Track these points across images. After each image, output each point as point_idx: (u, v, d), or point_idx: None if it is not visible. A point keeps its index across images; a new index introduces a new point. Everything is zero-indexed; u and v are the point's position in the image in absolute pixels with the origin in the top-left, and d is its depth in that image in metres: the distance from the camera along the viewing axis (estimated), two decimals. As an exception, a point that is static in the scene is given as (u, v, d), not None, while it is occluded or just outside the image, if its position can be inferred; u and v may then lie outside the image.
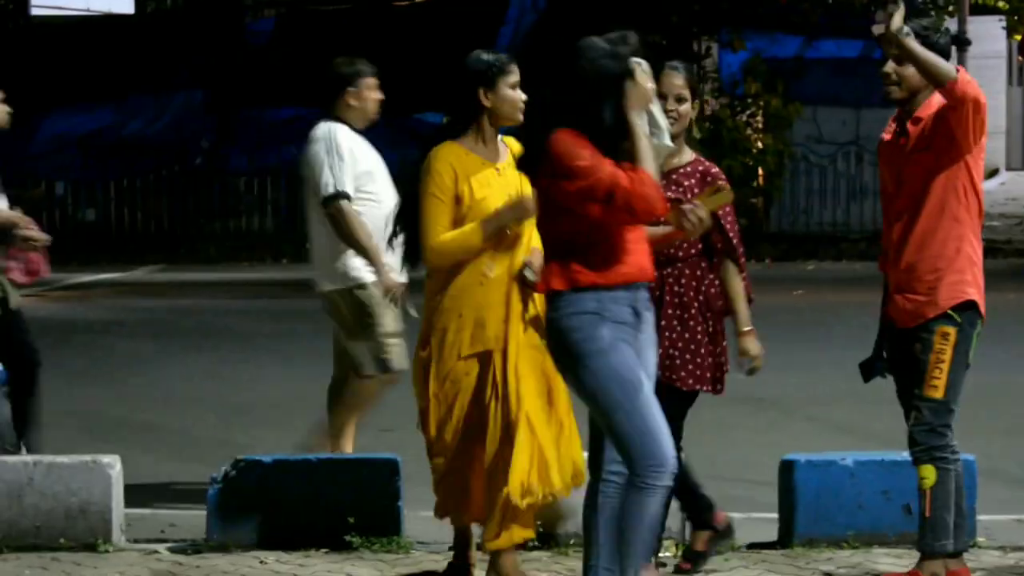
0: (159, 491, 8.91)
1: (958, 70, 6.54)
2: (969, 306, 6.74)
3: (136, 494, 8.46)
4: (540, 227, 6.35)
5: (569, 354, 6.08)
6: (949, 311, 6.68)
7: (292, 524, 8.00)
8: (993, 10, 31.15)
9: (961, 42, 27.65)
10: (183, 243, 25.88)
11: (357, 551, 7.89)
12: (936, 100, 6.74)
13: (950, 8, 27.12)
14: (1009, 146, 31.68)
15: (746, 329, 7.17)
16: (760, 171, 27.43)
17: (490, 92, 6.91)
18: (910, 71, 6.70)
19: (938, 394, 6.60)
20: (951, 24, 27.32)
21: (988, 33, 30.13)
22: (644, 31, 23.43)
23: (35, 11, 34.12)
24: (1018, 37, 34.05)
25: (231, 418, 12.12)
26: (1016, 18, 30.43)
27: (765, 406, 11.80)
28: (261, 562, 7.77)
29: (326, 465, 8.12)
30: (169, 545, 8.13)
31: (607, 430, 6.07)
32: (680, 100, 7.28)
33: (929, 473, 6.60)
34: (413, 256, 7.21)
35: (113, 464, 8.11)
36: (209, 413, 12.45)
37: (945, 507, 6.67)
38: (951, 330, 6.65)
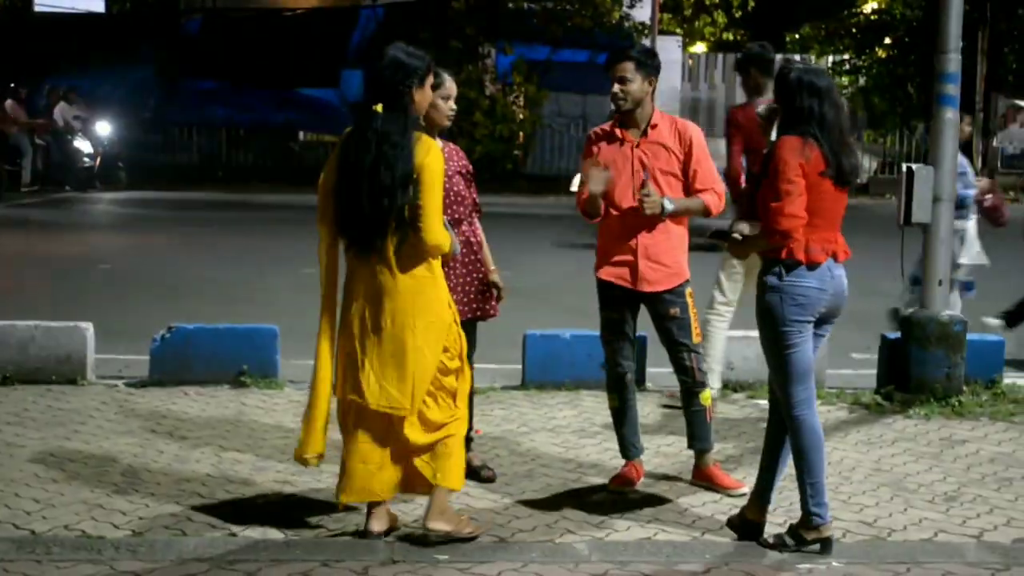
0: (120, 344, 8.84)
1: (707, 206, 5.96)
2: None
3: (104, 344, 8.42)
4: None
5: None
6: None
7: (207, 368, 8.02)
8: (673, 33, 31.62)
9: (651, 54, 28.08)
10: (138, 171, 25.34)
11: (249, 387, 7.93)
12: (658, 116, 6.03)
13: (645, 32, 27.42)
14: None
15: (492, 268, 6.21)
16: (520, 134, 27.69)
17: (419, 89, 5.19)
18: (633, 87, 5.88)
19: (699, 338, 6.10)
20: (646, 42, 27.68)
21: (669, 47, 30.50)
22: (448, 39, 23.28)
23: (38, 8, 33.98)
24: (689, 49, 34.66)
25: (172, 294, 12.05)
26: (687, 38, 30.85)
27: (520, 295, 12.02)
28: (184, 393, 7.80)
29: (228, 332, 8.12)
30: (124, 380, 8.09)
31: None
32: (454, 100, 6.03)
33: (708, 395, 6.11)
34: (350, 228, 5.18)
35: (88, 327, 8.09)
36: (159, 289, 12.38)
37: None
38: (690, 290, 6.05)
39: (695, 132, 6.06)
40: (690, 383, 6.09)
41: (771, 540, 5.31)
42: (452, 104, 5.89)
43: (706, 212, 5.98)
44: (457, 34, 26.95)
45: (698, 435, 6.14)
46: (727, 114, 8.01)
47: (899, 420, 7.54)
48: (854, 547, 5.37)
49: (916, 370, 7.91)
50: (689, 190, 6.00)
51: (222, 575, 4.89)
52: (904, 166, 7.97)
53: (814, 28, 29.59)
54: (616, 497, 5.96)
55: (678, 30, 31.57)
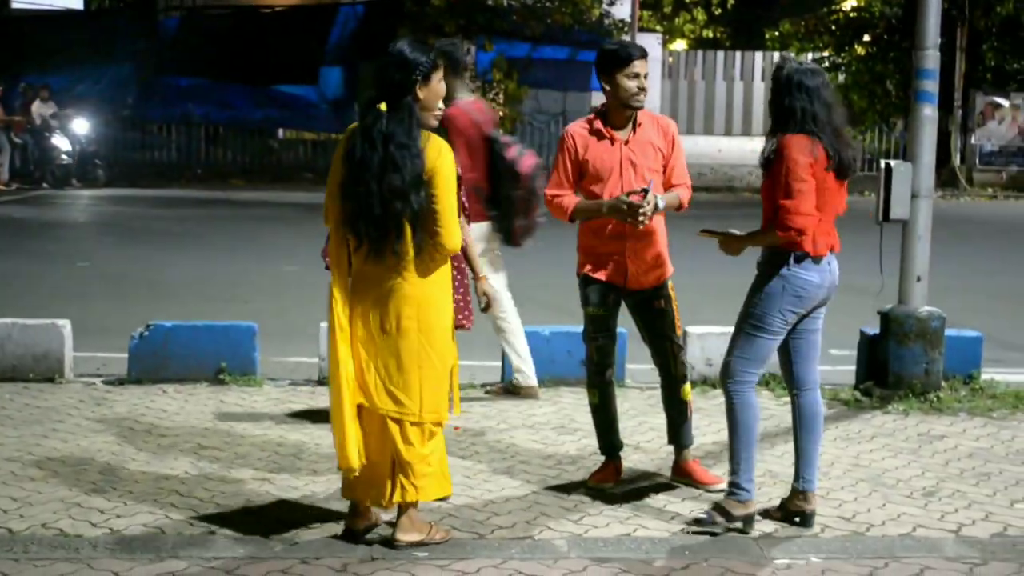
0: (98, 342, 8.82)
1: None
2: None
3: (82, 342, 8.39)
4: None
5: None
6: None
7: (185, 366, 8.03)
8: (653, 30, 31.63)
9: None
10: (116, 168, 25.22)
11: (227, 384, 7.92)
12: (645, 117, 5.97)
13: (625, 29, 27.43)
14: (661, 118, 32.27)
15: (482, 275, 6.28)
16: (500, 131, 27.63)
17: (424, 86, 5.02)
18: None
19: (680, 331, 6.12)
20: (625, 39, 27.69)
21: (649, 44, 30.55)
22: (427, 36, 23.30)
23: (15, 5, 33.85)
24: (669, 47, 34.68)
25: (152, 291, 12.00)
26: (667, 36, 30.84)
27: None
28: (163, 391, 7.77)
29: (207, 329, 8.10)
30: (102, 378, 8.07)
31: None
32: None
33: (689, 390, 6.19)
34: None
35: (65, 325, 8.06)
36: (137, 286, 12.33)
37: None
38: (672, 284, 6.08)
39: (675, 128, 6.07)
40: (672, 377, 6.10)
41: (699, 515, 5.50)
42: (442, 104, 5.48)
43: (681, 206, 5.98)
44: (436, 31, 26.89)
45: (678, 430, 6.16)
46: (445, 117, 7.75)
47: (878, 416, 7.57)
48: (832, 542, 5.39)
49: (895, 366, 7.94)
50: (665, 184, 5.96)
51: (201, 573, 4.88)
52: (883, 162, 7.99)
53: (793, 25, 29.61)
54: (595, 493, 5.96)
55: (658, 27, 31.58)
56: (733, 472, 5.46)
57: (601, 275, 5.97)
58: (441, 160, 4.98)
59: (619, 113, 5.91)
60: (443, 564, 4.99)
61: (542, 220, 7.47)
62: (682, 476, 6.15)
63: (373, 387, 5.05)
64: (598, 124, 5.93)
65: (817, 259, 5.40)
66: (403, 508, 5.14)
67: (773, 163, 5.32)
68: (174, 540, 5.22)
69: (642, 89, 5.83)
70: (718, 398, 7.82)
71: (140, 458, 6.38)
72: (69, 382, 7.94)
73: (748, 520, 5.42)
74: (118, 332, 8.62)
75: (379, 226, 4.94)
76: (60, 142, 23.71)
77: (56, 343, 7.98)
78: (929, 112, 7.98)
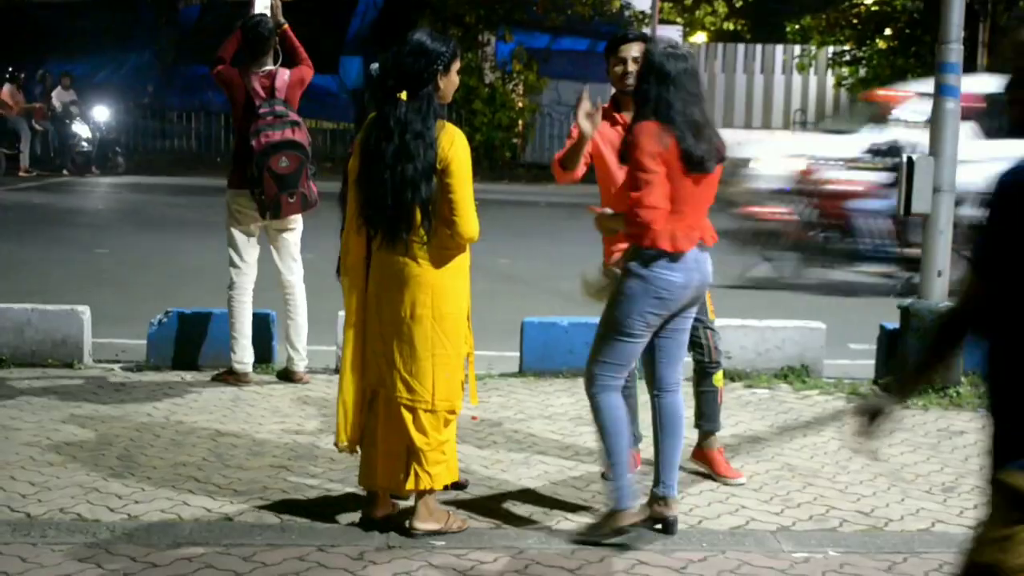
0: (116, 329, 8.84)
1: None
2: None
3: (101, 328, 8.41)
4: None
5: None
6: None
7: (203, 353, 8.03)
8: (673, 22, 31.55)
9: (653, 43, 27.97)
10: (136, 156, 25.28)
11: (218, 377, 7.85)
12: None
13: (645, 20, 27.37)
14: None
15: None
16: (520, 122, 27.63)
17: (444, 76, 5.01)
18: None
19: (713, 316, 5.91)
20: (646, 31, 27.60)
21: (670, 37, 30.46)
22: (447, 27, 23.29)
23: None
24: (690, 39, 34.61)
25: (171, 278, 12.02)
26: (688, 28, 30.74)
27: (517, 282, 12.03)
28: (182, 378, 7.78)
29: (225, 316, 8.07)
30: (121, 364, 8.09)
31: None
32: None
33: (720, 376, 6.00)
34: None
35: (85, 311, 8.08)
36: (156, 274, 12.35)
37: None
38: None
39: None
40: (705, 362, 5.99)
41: (582, 530, 5.25)
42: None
43: None
44: (456, 21, 26.90)
45: (707, 414, 6.07)
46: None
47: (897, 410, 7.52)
48: (851, 536, 5.36)
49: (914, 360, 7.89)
50: None
51: (218, 559, 4.88)
52: (904, 156, 7.94)
53: (815, 18, 29.47)
54: (613, 484, 5.94)
55: (679, 19, 31.49)
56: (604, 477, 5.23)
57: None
58: (455, 149, 4.91)
59: (624, 98, 5.81)
60: (460, 553, 4.98)
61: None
62: (702, 461, 6.10)
63: (388, 374, 5.04)
64: (608, 107, 5.90)
65: (676, 256, 5.00)
66: (419, 496, 5.12)
67: (629, 152, 5.03)
68: (191, 526, 5.22)
69: (627, 73, 5.72)
70: (735, 391, 7.82)
71: (158, 444, 6.39)
72: (88, 368, 7.96)
73: (620, 532, 5.13)
74: (136, 319, 8.64)
75: (391, 215, 4.93)
76: (80, 129, 23.75)
77: (75, 329, 8.00)
78: (952, 106, 7.93)
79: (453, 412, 5.12)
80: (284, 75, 7.56)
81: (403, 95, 4.93)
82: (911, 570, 5.01)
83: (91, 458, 6.10)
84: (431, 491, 5.12)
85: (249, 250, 7.74)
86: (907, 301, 8.10)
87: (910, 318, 7.94)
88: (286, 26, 7.70)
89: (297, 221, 7.66)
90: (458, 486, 5.67)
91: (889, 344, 8.11)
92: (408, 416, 5.03)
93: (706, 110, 5.15)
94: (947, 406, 7.62)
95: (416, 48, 4.94)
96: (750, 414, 7.29)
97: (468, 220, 4.93)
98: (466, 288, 5.12)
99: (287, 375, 7.73)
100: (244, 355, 7.68)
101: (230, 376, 7.69)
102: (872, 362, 8.35)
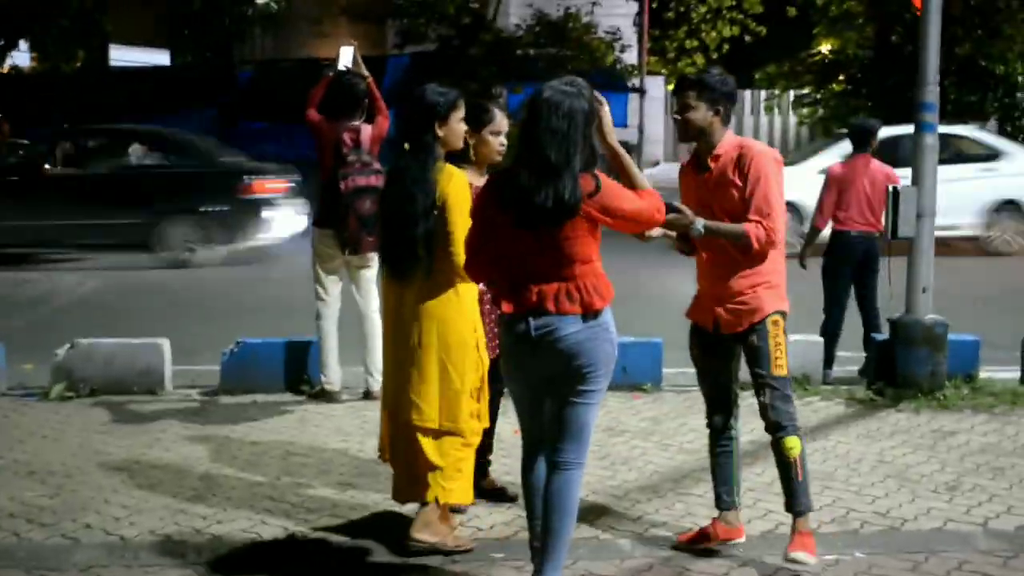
0: (193, 357, 8.48)
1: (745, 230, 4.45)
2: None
3: (179, 358, 8.04)
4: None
5: (607, 364, 4.01)
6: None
7: (271, 378, 7.66)
8: (659, 73, 31.30)
9: (641, 91, 27.61)
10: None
11: (304, 394, 7.53)
12: (729, 138, 4.57)
13: (634, 72, 27.05)
14: (664, 148, 31.75)
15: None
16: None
17: (443, 125, 4.68)
18: (694, 116, 4.51)
19: (784, 372, 4.59)
20: (635, 81, 27.30)
21: (656, 85, 30.20)
22: (464, 81, 22.74)
23: (113, 63, 33.95)
24: (670, 87, 34.36)
25: (241, 316, 11.66)
26: (672, 77, 30.48)
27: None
28: (254, 402, 7.40)
29: (290, 345, 7.70)
30: (198, 389, 7.71)
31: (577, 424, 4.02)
32: (508, 136, 5.15)
33: (795, 443, 4.56)
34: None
35: (165, 343, 7.69)
36: (228, 302, 11.98)
37: (807, 471, 4.64)
38: (780, 318, 4.57)
39: (757, 159, 4.48)
40: (766, 427, 4.70)
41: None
42: (503, 139, 5.11)
43: (745, 239, 4.47)
44: (473, 77, 26.58)
45: (784, 491, 4.66)
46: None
47: (892, 413, 7.13)
48: (873, 537, 4.97)
49: (903, 367, 7.51)
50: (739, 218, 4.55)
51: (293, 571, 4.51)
52: (890, 187, 7.58)
53: (780, 66, 29.14)
54: (651, 495, 5.53)
55: (663, 70, 31.16)
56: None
57: (695, 318, 4.78)
58: (451, 186, 4.60)
59: (698, 146, 4.62)
60: (518, 565, 4.59)
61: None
62: (792, 549, 4.58)
63: (401, 397, 4.71)
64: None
65: (504, 316, 4.03)
66: (422, 508, 4.71)
67: None
68: (270, 545, 4.84)
69: (681, 119, 4.60)
70: (746, 399, 7.40)
71: (235, 465, 6.01)
72: (169, 394, 7.57)
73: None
74: (209, 346, 8.29)
75: (395, 251, 4.69)
76: (155, 180, 23.51)
77: (156, 359, 7.62)
78: (931, 141, 7.55)
79: (463, 434, 4.68)
80: (367, 130, 7.29)
81: (407, 146, 4.69)
82: (934, 569, 4.61)
83: (176, 480, 5.72)
84: (439, 504, 4.69)
85: (332, 286, 7.48)
86: (896, 315, 7.71)
87: (899, 330, 7.57)
88: (370, 79, 7.40)
89: (374, 259, 7.33)
90: (503, 497, 5.31)
91: (879, 353, 7.71)
92: (420, 436, 4.67)
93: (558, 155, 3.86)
94: (936, 408, 7.22)
95: (415, 101, 4.70)
96: (760, 422, 6.88)
97: (462, 251, 4.43)
98: (473, 317, 4.72)
99: (368, 395, 7.38)
100: (333, 376, 7.41)
101: (321, 395, 7.40)
102: (855, 368, 8.13)
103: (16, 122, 25.05)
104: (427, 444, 4.66)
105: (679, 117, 4.56)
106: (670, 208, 4.31)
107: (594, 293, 3.94)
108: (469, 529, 4.96)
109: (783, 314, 4.61)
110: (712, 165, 4.57)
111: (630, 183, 4.07)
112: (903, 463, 6.06)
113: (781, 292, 4.63)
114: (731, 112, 4.60)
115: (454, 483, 4.67)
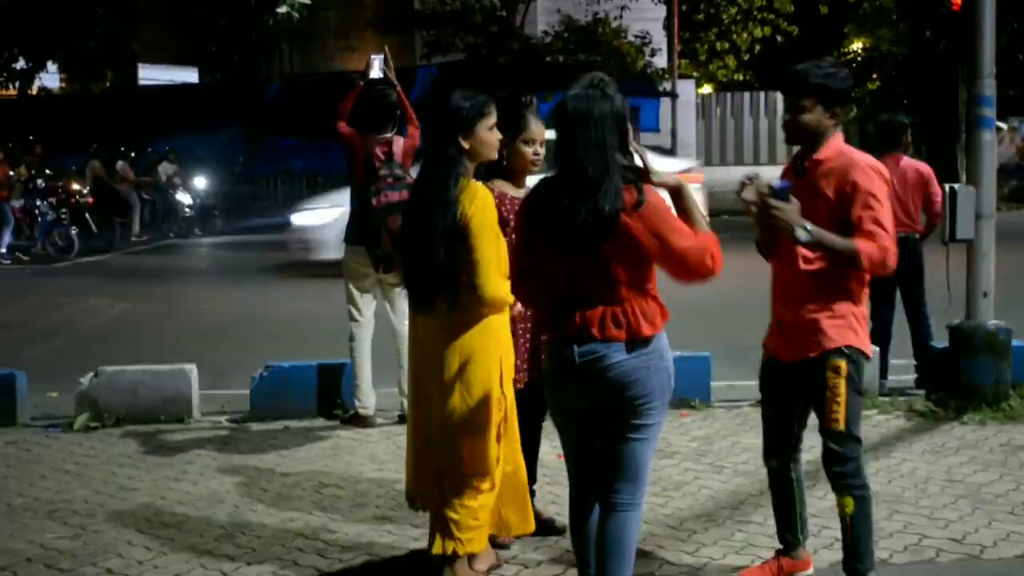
0: (221, 382, 8.20)
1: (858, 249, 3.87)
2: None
3: (207, 382, 7.76)
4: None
5: (663, 395, 3.65)
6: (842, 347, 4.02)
7: (302, 403, 7.36)
8: (690, 76, 30.93)
9: (673, 95, 27.21)
10: (231, 217, 24.84)
11: (337, 418, 7.23)
12: (835, 144, 4.03)
13: (665, 76, 26.66)
14: (697, 151, 31.36)
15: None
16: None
17: (469, 135, 4.15)
18: (807, 118, 3.98)
19: (840, 427, 4.07)
20: (666, 85, 26.91)
21: (686, 88, 29.82)
22: (496, 90, 22.67)
23: (142, 82, 34.07)
24: (700, 91, 33.98)
25: (266, 332, 11.38)
26: (704, 80, 30.13)
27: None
28: (285, 428, 7.10)
29: (321, 368, 7.41)
30: (227, 416, 7.41)
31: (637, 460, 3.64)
32: (543, 144, 4.78)
33: (849, 503, 4.10)
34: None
35: (192, 370, 7.41)
36: (254, 327, 11.71)
37: (866, 531, 4.13)
38: (844, 364, 4.01)
39: (860, 175, 3.94)
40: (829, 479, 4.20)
41: None
42: (538, 148, 4.69)
43: (855, 257, 3.89)
44: (502, 85, 26.29)
45: (843, 547, 4.23)
46: None
47: (956, 427, 6.73)
48: (951, 568, 4.58)
49: (966, 377, 7.11)
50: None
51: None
52: (947, 186, 7.18)
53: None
54: (708, 523, 5.17)
55: (695, 73, 30.76)
56: None
57: (765, 340, 4.35)
58: (475, 207, 4.03)
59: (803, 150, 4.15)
60: (569, 606, 4.26)
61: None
62: None
63: (425, 434, 4.34)
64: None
65: (548, 341, 3.73)
66: (448, 562, 4.31)
67: None
68: (303, 588, 4.52)
69: (788, 121, 4.13)
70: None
71: (266, 499, 5.69)
72: (197, 421, 7.29)
73: None
74: (239, 370, 8.00)
75: (416, 277, 4.19)
76: (183, 197, 23.57)
77: (184, 386, 7.34)
78: (988, 137, 7.18)
79: (483, 481, 4.27)
80: (400, 142, 6.92)
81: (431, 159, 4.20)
82: (1022, 604, 4.24)
83: (203, 518, 5.41)
84: (461, 556, 4.31)
85: (365, 306, 7.15)
86: (955, 321, 7.31)
87: (960, 337, 7.17)
88: (399, 89, 7.07)
89: None
90: (551, 530, 4.95)
91: (939, 362, 7.32)
92: (444, 480, 4.28)
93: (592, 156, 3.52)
94: (1003, 420, 6.82)
95: (439, 107, 4.17)
96: (818, 438, 6.49)
97: (491, 281, 4.04)
98: (496, 352, 4.21)
99: (403, 418, 7.04)
100: (367, 400, 7.10)
101: (354, 419, 7.09)
102: (912, 377, 7.77)
103: (46, 143, 25.02)
104: (447, 491, 4.27)
105: (788, 118, 4.06)
106: (779, 195, 3.84)
107: (641, 318, 3.56)
108: (515, 567, 4.62)
109: (851, 358, 4.01)
110: (808, 168, 4.06)
111: (686, 220, 3.61)
112: (974, 481, 5.67)
113: (851, 325, 4.04)
114: (846, 112, 4.09)
115: (470, 532, 4.27)
